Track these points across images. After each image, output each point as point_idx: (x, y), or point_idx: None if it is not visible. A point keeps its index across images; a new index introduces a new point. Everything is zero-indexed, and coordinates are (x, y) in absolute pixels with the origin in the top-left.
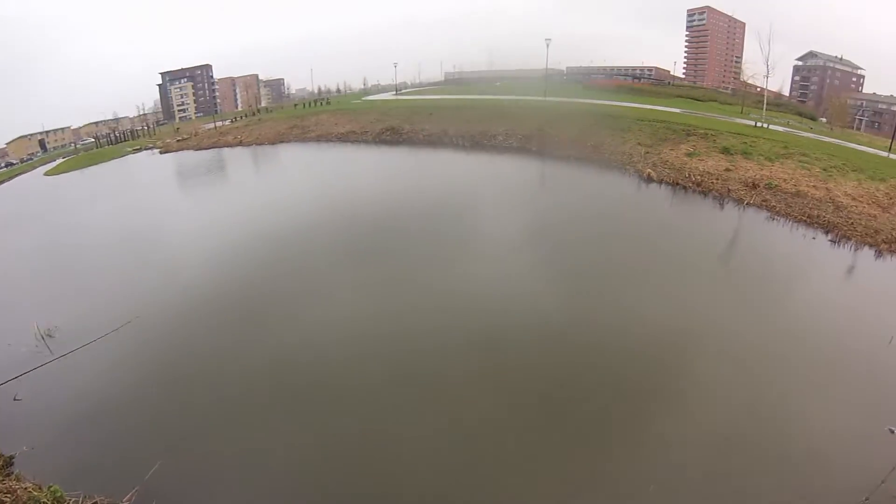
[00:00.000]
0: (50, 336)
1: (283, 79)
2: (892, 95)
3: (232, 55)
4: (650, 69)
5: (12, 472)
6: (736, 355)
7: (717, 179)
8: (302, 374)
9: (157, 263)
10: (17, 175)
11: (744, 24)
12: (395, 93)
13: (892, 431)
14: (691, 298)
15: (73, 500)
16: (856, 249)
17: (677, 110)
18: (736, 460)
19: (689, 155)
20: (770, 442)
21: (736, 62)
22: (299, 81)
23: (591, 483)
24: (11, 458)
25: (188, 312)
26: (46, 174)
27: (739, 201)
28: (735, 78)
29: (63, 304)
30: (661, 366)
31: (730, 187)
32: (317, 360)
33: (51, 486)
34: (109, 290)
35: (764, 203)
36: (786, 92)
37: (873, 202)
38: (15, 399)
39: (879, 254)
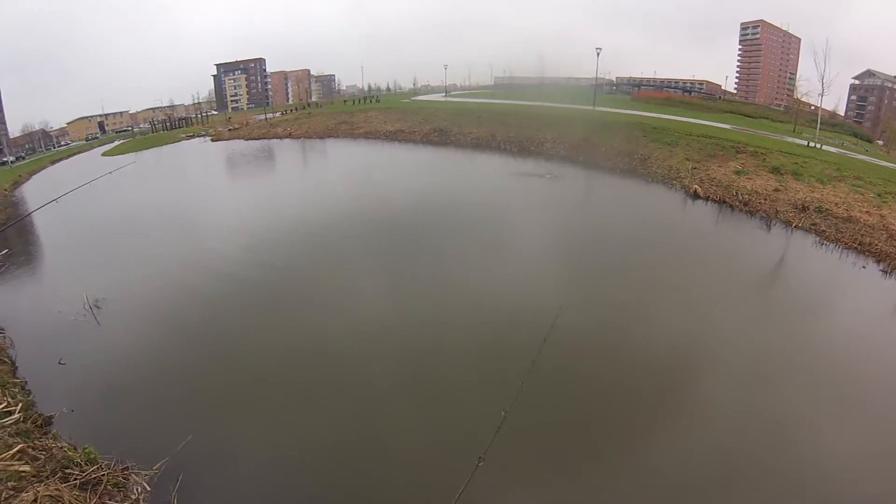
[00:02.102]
0: (97, 307)
1: (334, 75)
2: None
3: (286, 48)
4: (701, 83)
5: (50, 432)
6: (768, 381)
7: (766, 200)
8: (330, 362)
9: (199, 245)
10: (76, 153)
11: (799, 39)
12: (444, 94)
13: None
14: (726, 319)
15: (105, 462)
16: None
17: (727, 126)
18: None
19: (737, 173)
20: (797, 471)
21: (790, 78)
22: (350, 78)
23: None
24: (51, 417)
25: (223, 293)
26: (104, 154)
27: (787, 223)
28: (788, 95)
29: (112, 277)
30: (684, 382)
31: (778, 208)
32: (347, 350)
33: (85, 448)
34: (154, 266)
35: (813, 227)
36: (841, 111)
37: None
38: (60, 363)
39: None
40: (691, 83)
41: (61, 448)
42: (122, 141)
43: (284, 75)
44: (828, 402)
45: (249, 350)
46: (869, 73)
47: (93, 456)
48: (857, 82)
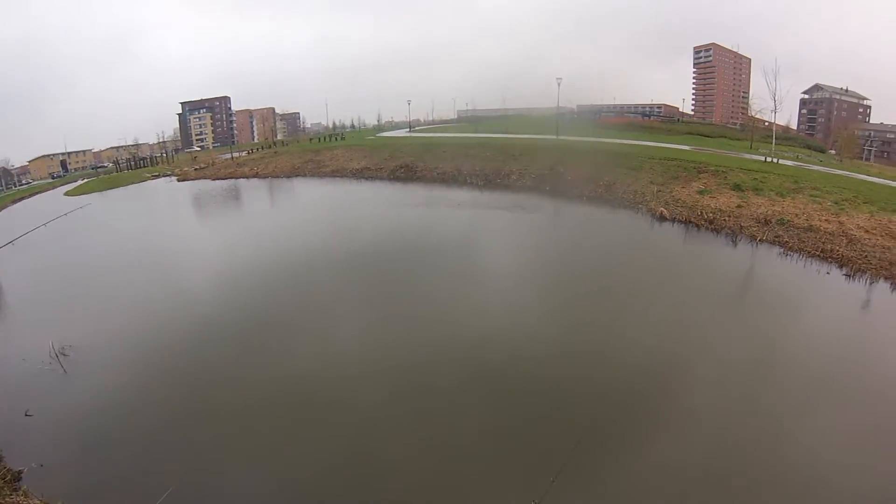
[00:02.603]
0: (64, 354)
1: (298, 112)
2: None
3: (251, 86)
4: (659, 106)
5: (20, 488)
6: (746, 389)
7: (730, 216)
8: (310, 397)
9: (171, 287)
10: (38, 192)
11: (749, 59)
12: (408, 129)
13: None
14: (700, 332)
15: None
16: (871, 283)
17: (687, 147)
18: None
19: (700, 192)
20: (771, 471)
21: (743, 97)
22: (315, 116)
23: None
24: (20, 472)
25: (198, 336)
26: (66, 194)
27: (752, 238)
28: (743, 113)
29: (78, 323)
30: (662, 392)
31: (742, 224)
32: (327, 381)
33: None
34: (123, 310)
35: (777, 239)
36: (794, 125)
37: (887, 234)
38: (26, 415)
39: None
40: (650, 107)
41: None
42: (85, 180)
43: (249, 113)
44: (804, 401)
45: (226, 394)
46: (817, 87)
47: None
48: (806, 97)
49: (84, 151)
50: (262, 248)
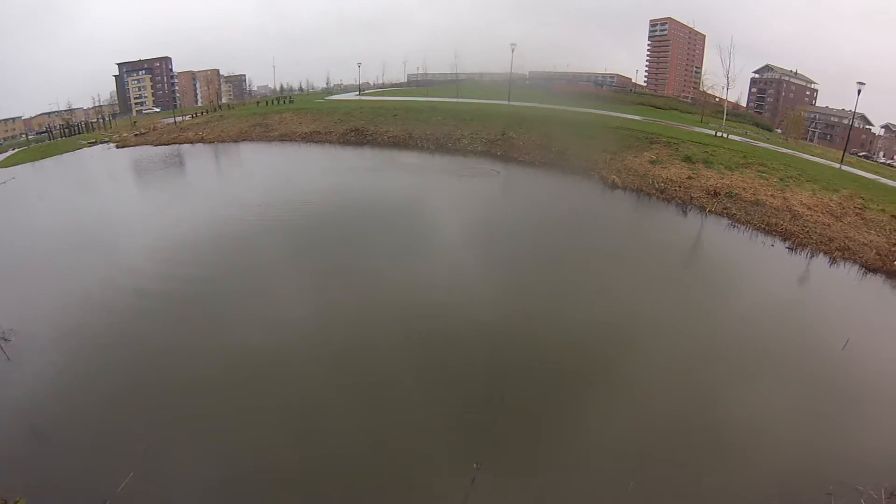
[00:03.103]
0: (5, 339)
1: (244, 75)
2: (843, 109)
3: (193, 47)
4: (613, 76)
5: None
6: (685, 362)
7: (680, 187)
8: (265, 372)
9: (110, 263)
10: None
11: (704, 36)
12: (358, 93)
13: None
14: (645, 302)
15: None
16: (811, 256)
17: (639, 118)
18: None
19: (652, 162)
20: (721, 436)
21: (696, 72)
22: (262, 78)
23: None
24: None
25: (146, 312)
26: None
27: (702, 209)
28: (695, 88)
29: (14, 307)
30: (611, 361)
31: (692, 195)
32: (279, 357)
33: (17, 501)
34: (61, 290)
35: (725, 211)
36: (744, 103)
37: (827, 212)
38: None
39: (833, 261)
40: (603, 77)
41: None
42: (14, 150)
43: (192, 75)
44: (741, 374)
45: (180, 370)
46: (768, 68)
47: None
48: (757, 76)
49: (13, 119)
50: (206, 218)
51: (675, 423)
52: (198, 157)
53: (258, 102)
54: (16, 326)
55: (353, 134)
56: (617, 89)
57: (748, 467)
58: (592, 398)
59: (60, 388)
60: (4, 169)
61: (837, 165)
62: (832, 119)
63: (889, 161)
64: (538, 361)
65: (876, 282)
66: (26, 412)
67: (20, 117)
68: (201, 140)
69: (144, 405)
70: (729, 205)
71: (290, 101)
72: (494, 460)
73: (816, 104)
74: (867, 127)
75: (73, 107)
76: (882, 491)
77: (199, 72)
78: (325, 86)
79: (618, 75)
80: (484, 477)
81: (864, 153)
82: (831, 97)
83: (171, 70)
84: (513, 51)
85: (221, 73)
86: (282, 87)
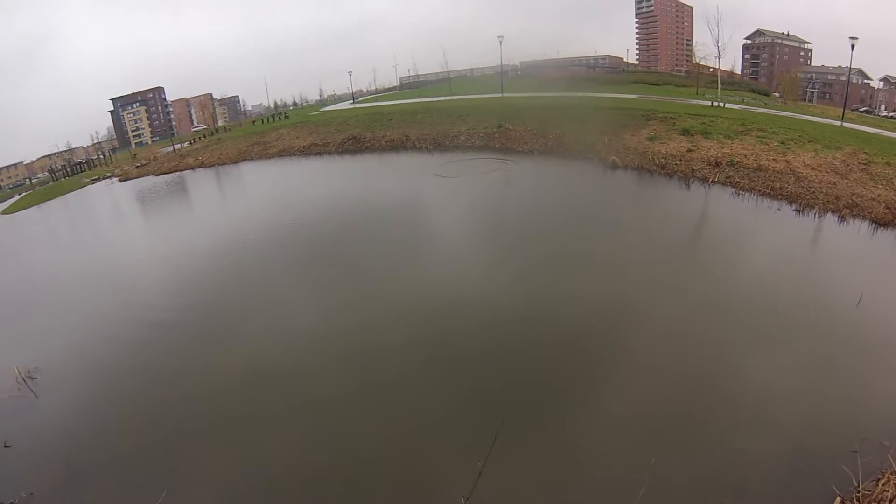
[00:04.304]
0: (32, 378)
1: (237, 96)
2: (839, 66)
3: (184, 75)
4: (604, 57)
5: None
6: (706, 321)
7: (681, 161)
8: (282, 387)
9: (124, 296)
10: None
11: (691, 7)
12: (352, 101)
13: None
14: (659, 272)
15: None
16: (819, 217)
17: (634, 96)
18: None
19: (650, 139)
20: (742, 397)
21: (687, 45)
22: (255, 97)
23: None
24: None
25: (159, 340)
26: (4, 212)
27: (704, 180)
28: (687, 60)
29: (37, 345)
30: (631, 330)
31: (693, 167)
32: (295, 371)
33: None
34: (80, 325)
35: (728, 180)
36: (738, 70)
37: (832, 170)
38: (5, 446)
39: (842, 219)
40: (594, 59)
41: None
42: (21, 195)
43: (186, 102)
44: (765, 327)
45: (204, 398)
46: (759, 33)
47: None
48: (748, 42)
49: (15, 165)
50: (213, 243)
51: (695, 386)
52: (199, 182)
53: (254, 122)
54: (39, 364)
55: (350, 142)
56: (609, 70)
57: (771, 426)
58: (615, 368)
59: (87, 421)
60: (12, 214)
61: (838, 123)
62: (829, 77)
63: (892, 114)
64: (559, 341)
65: (887, 236)
66: (56, 447)
67: (21, 162)
68: (202, 165)
69: (170, 425)
70: (731, 173)
71: (285, 117)
72: (516, 437)
73: (812, 64)
74: (865, 81)
75: (73, 146)
76: None
77: (193, 98)
78: (318, 98)
79: (609, 56)
80: (493, 466)
81: (865, 108)
82: (826, 55)
83: (164, 99)
84: (500, 43)
85: (214, 96)
86: (276, 103)
